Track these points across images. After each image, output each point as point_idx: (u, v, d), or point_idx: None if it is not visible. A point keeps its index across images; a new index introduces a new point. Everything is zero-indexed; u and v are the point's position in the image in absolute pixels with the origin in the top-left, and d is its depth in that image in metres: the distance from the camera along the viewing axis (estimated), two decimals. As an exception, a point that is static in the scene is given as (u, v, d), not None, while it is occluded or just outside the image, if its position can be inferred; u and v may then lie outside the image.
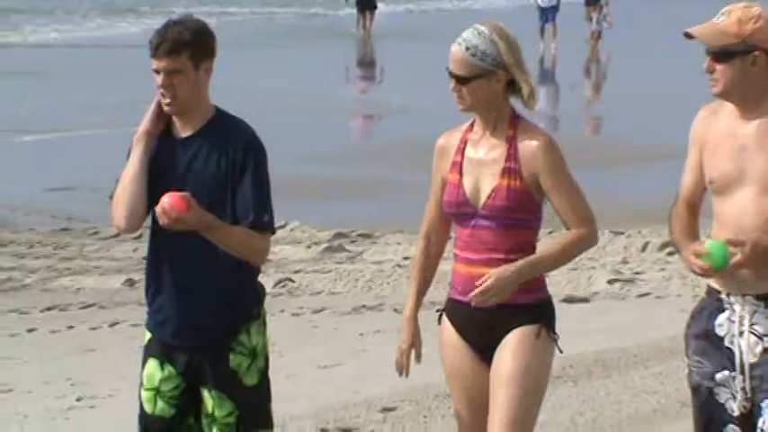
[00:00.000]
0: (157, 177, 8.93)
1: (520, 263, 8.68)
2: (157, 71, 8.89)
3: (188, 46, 8.92)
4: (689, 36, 8.55)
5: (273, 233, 9.09)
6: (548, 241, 9.06)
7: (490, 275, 8.61)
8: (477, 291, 8.64)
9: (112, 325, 18.33)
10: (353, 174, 26.51)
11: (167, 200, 8.55)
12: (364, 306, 19.13)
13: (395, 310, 18.58)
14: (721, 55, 8.50)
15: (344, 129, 35.06)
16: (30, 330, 18.87)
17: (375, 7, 52.31)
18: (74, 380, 16.00)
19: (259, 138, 9.07)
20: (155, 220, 8.89)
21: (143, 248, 17.60)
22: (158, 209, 8.63)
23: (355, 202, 24.12)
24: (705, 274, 8.48)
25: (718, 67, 8.48)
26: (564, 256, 8.99)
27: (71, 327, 18.90)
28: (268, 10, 51.59)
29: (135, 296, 20.14)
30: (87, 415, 14.68)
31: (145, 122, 9.01)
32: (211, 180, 8.88)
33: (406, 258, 21.02)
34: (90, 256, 22.56)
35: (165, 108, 8.91)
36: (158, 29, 8.98)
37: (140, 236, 23.04)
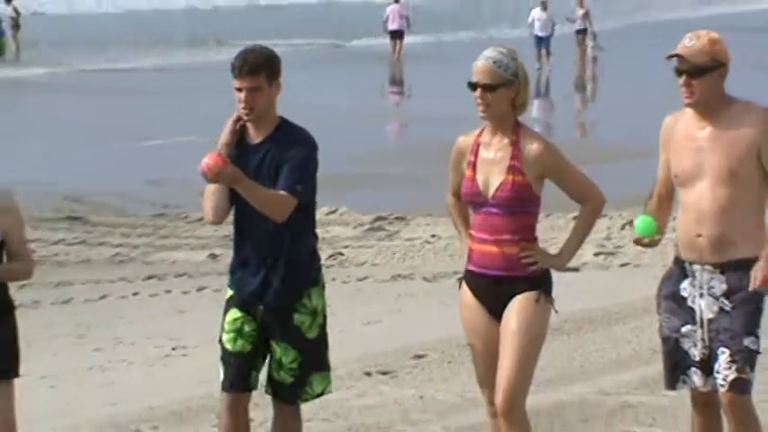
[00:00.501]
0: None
1: (566, 252, 8.91)
2: (240, 89, 8.89)
3: (263, 68, 8.93)
4: (674, 56, 8.57)
5: (301, 203, 8.93)
6: (546, 223, 8.88)
7: (557, 263, 8.97)
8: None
9: (199, 290, 18.22)
10: (390, 170, 26.38)
11: (207, 159, 8.66)
12: (399, 275, 18.99)
13: (424, 278, 18.48)
14: (696, 71, 8.56)
15: (381, 134, 34.93)
16: (134, 294, 18.76)
17: (402, 37, 52.18)
18: (170, 335, 15.89)
19: (314, 139, 9.05)
20: (237, 210, 8.99)
21: (222, 229, 17.53)
22: (202, 167, 8.68)
23: (392, 191, 24.00)
24: (635, 241, 9.00)
25: (694, 82, 8.50)
26: (589, 226, 9.04)
27: (168, 291, 18.80)
28: (306, 41, 51.04)
29: (217, 267, 20.04)
30: (180, 361, 14.57)
31: (223, 137, 8.98)
32: (275, 174, 8.85)
33: (433, 236, 20.94)
34: (181, 235, 22.43)
35: (245, 117, 8.92)
36: (238, 55, 8.99)
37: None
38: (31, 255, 9.15)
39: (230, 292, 9.10)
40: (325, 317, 9.14)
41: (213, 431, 11.60)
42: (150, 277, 19.94)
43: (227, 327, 9.05)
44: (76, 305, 17.91)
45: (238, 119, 8.94)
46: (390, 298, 17.52)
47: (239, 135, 8.98)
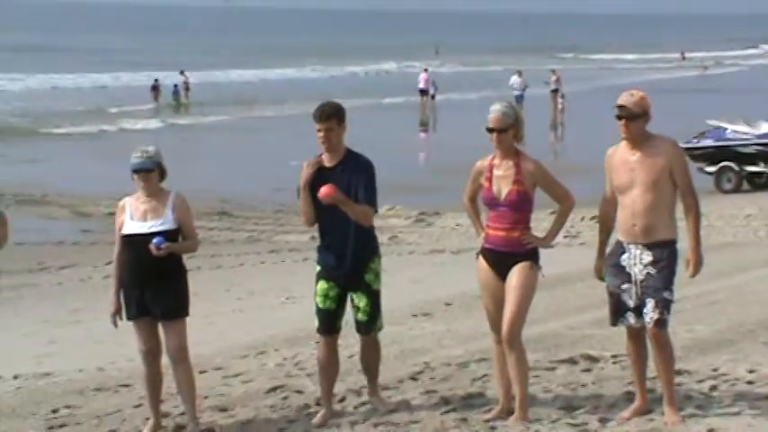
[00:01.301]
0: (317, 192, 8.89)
1: (549, 236, 8.93)
2: (320, 129, 8.89)
3: (335, 115, 8.94)
4: (621, 107, 8.59)
5: (376, 212, 9.05)
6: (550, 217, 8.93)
7: (543, 242, 8.92)
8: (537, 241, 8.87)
9: (304, 260, 18.14)
10: (427, 181, 26.24)
11: (325, 189, 8.71)
12: (435, 250, 18.98)
13: (451, 252, 18.48)
14: (631, 117, 8.58)
15: (418, 158, 34.82)
16: (261, 263, 18.85)
17: (427, 94, 51.77)
18: (284, 289, 15.92)
19: (370, 161, 9.06)
20: (320, 214, 9.03)
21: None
22: (321, 194, 8.76)
23: (429, 195, 24.00)
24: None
25: (629, 123, 8.55)
26: (564, 219, 9.03)
27: (283, 261, 18.86)
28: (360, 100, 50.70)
29: (315, 245, 20.06)
30: (291, 307, 14.57)
31: (303, 177, 9.03)
32: (347, 187, 8.84)
33: (457, 224, 20.99)
34: (292, 224, 22.37)
35: (323, 148, 8.97)
36: (317, 107, 9.03)
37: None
38: (196, 236, 9.20)
39: (318, 268, 9.09)
40: (380, 277, 9.18)
41: (314, 353, 11.68)
42: (272, 251, 20.05)
43: (318, 292, 9.04)
44: (224, 270, 18.02)
45: (314, 162, 8.97)
46: (429, 265, 17.50)
47: (317, 165, 8.96)
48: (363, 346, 9.33)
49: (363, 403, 9.48)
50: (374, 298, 9.12)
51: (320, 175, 8.92)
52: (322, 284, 9.05)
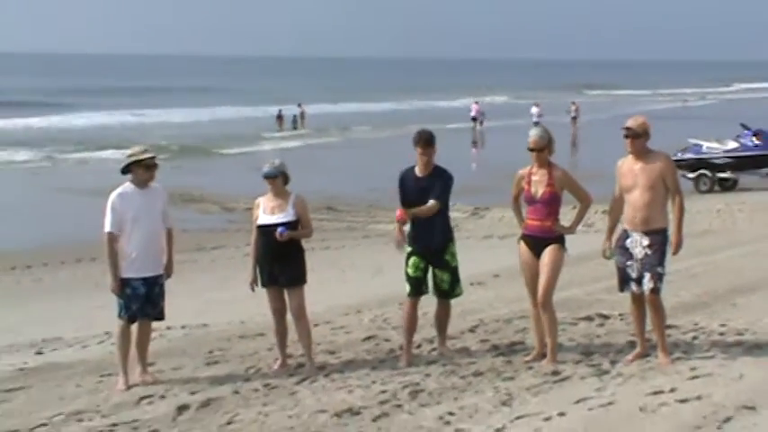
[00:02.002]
0: (411, 195, 8.92)
1: (573, 225, 8.90)
2: (420, 153, 8.84)
3: (431, 141, 8.88)
4: (628, 128, 8.53)
5: (446, 206, 8.99)
6: (573, 211, 8.84)
7: (568, 230, 8.87)
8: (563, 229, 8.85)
9: (389, 243, 18.19)
10: (479, 184, 26.12)
11: (398, 215, 8.88)
12: (486, 236, 18.93)
13: (498, 237, 18.42)
14: (635, 136, 8.53)
15: (472, 167, 34.69)
16: (357, 245, 18.86)
17: (477, 120, 51.33)
18: (375, 264, 15.92)
19: (449, 172, 8.99)
20: (404, 206, 8.92)
21: None
22: (397, 216, 8.93)
23: (481, 195, 23.78)
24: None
25: (635, 141, 8.49)
26: (584, 213, 8.96)
27: (374, 244, 18.84)
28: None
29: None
30: (381, 277, 14.58)
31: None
32: (428, 192, 8.84)
33: (502, 217, 20.82)
34: (380, 216, 22.37)
35: (422, 164, 8.90)
36: (417, 133, 8.95)
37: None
38: (311, 225, 9.20)
39: (409, 249, 8.99)
40: (456, 256, 9.12)
41: (398, 311, 11.66)
42: (365, 237, 20.04)
43: (410, 264, 8.98)
44: (331, 249, 18.02)
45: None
46: (482, 247, 17.44)
47: (409, 178, 8.96)
48: (439, 308, 9.29)
49: (434, 349, 9.46)
50: (453, 272, 9.09)
51: (415, 182, 8.91)
52: (414, 259, 8.98)
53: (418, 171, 8.95)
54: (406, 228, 9.07)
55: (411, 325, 9.14)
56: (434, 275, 9.08)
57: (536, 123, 46.38)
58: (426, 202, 8.81)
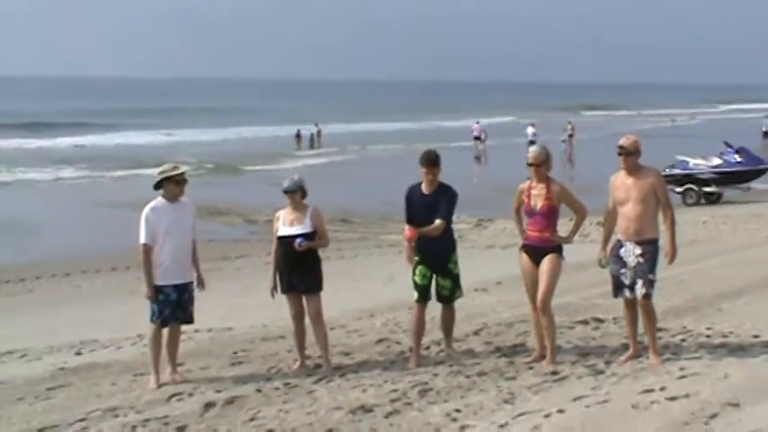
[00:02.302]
0: (418, 210, 8.87)
1: (570, 235, 8.80)
2: (426, 173, 8.80)
3: (436, 162, 8.87)
4: (621, 147, 8.50)
5: (450, 224, 8.93)
6: (570, 222, 8.81)
7: (566, 240, 8.81)
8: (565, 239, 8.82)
9: (399, 253, 18.12)
10: (481, 196, 26.03)
11: (408, 231, 8.87)
12: (489, 245, 18.88)
13: (500, 247, 18.35)
14: (628, 154, 8.49)
15: (474, 181, 34.61)
16: (370, 254, 18.83)
17: (479, 139, 50.39)
18: (387, 273, 15.90)
19: (454, 189, 8.96)
20: (410, 223, 8.94)
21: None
22: (407, 234, 8.93)
23: (483, 208, 23.65)
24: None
25: (627, 158, 8.45)
26: (580, 224, 8.89)
27: (385, 254, 18.82)
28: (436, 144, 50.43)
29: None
30: (393, 284, 14.56)
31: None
32: (434, 207, 8.79)
33: (504, 228, 20.78)
34: (391, 227, 22.35)
35: (427, 182, 8.84)
36: (423, 154, 8.91)
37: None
38: (327, 236, 9.19)
39: (417, 259, 8.97)
40: (458, 264, 9.10)
41: (408, 316, 11.62)
42: (377, 247, 19.99)
43: (417, 273, 8.97)
44: (345, 258, 18.01)
45: (409, 239, 8.90)
46: (485, 256, 17.39)
47: (415, 194, 8.91)
48: (443, 312, 9.28)
49: (441, 351, 9.44)
50: (454, 279, 9.07)
51: (421, 198, 8.87)
52: (421, 269, 8.97)
53: (424, 188, 8.93)
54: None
55: (419, 329, 9.12)
56: (437, 283, 9.07)
57: (532, 142, 46.36)
58: (432, 217, 8.77)
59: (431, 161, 8.84)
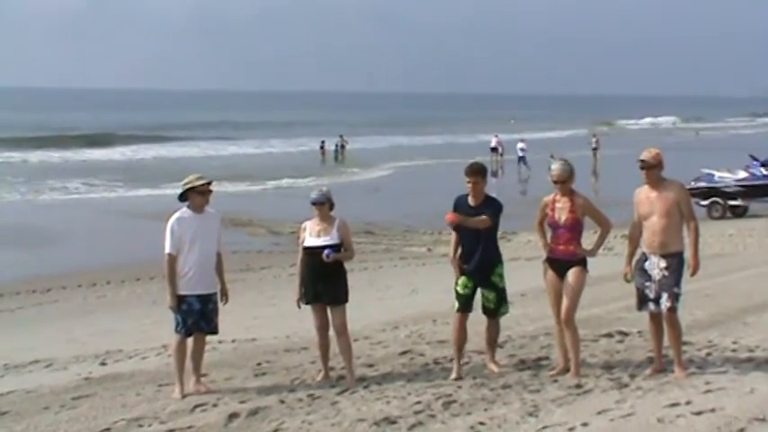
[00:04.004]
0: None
1: (594, 249, 8.76)
2: (469, 182, 8.79)
3: (482, 172, 8.87)
4: (642, 161, 8.48)
5: (495, 224, 8.92)
6: (594, 236, 8.77)
7: (590, 253, 8.76)
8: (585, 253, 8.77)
9: (423, 264, 18.24)
10: (505, 210, 25.85)
11: (448, 217, 8.75)
12: (514, 258, 18.72)
13: (526, 259, 18.21)
14: (650, 167, 8.44)
15: (496, 194, 34.43)
16: (394, 266, 18.81)
17: (497, 152, 49.50)
18: (410, 283, 15.87)
19: (500, 202, 9.01)
20: (461, 236, 8.94)
21: (433, 237, 16.94)
22: (447, 220, 8.77)
23: (508, 221, 23.47)
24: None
25: (648, 172, 8.42)
26: (605, 237, 8.88)
27: (408, 265, 18.80)
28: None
29: (431, 255, 19.91)
30: (417, 297, 14.52)
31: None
32: (479, 215, 8.79)
33: (529, 240, 20.63)
34: (415, 239, 22.38)
35: (473, 194, 8.84)
36: (469, 165, 8.94)
37: (432, 233, 22.92)
38: (353, 248, 9.19)
39: (462, 268, 8.96)
40: (503, 278, 9.10)
41: (432, 328, 11.60)
42: (401, 258, 19.97)
43: (460, 284, 8.94)
44: (369, 270, 17.98)
45: (450, 222, 8.85)
46: (510, 269, 16.98)
47: (463, 205, 8.88)
48: (488, 325, 9.21)
49: (466, 363, 9.39)
50: (500, 293, 9.03)
51: (468, 210, 8.85)
52: (463, 279, 8.93)
53: (471, 200, 8.91)
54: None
55: (460, 340, 9.05)
56: (482, 295, 9.03)
57: (521, 158, 45.66)
58: (478, 231, 8.78)
59: (474, 171, 8.84)
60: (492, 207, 8.86)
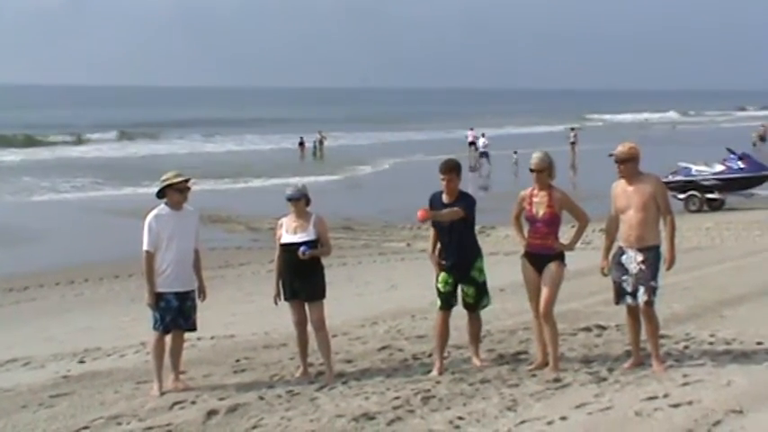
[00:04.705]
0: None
1: (572, 243, 8.77)
2: (443, 179, 8.75)
3: (456, 169, 8.85)
4: (617, 154, 8.50)
5: (469, 216, 8.85)
6: (572, 230, 8.79)
7: (568, 247, 8.77)
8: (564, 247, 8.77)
9: (402, 260, 18.19)
10: (484, 205, 25.90)
11: (420, 214, 8.61)
12: (492, 252, 18.63)
13: (504, 253, 18.15)
14: (624, 161, 8.41)
15: (474, 189, 34.47)
16: (373, 261, 18.80)
17: (473, 146, 49.29)
18: (388, 279, 15.86)
19: (473, 197, 9.00)
20: (439, 232, 8.92)
21: (412, 232, 17.02)
22: (419, 218, 8.70)
23: (486, 215, 23.45)
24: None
25: (622, 166, 8.44)
26: (582, 231, 8.89)
27: (388, 260, 18.80)
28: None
29: (410, 250, 19.92)
30: (394, 292, 14.52)
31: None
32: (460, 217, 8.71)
33: (507, 235, 20.64)
34: (394, 235, 22.37)
35: (447, 191, 8.79)
36: (443, 163, 8.88)
37: (411, 228, 22.91)
38: (330, 244, 9.17)
39: (441, 264, 8.94)
40: (484, 271, 9.08)
41: (411, 323, 11.60)
42: (380, 254, 19.96)
43: (440, 280, 8.91)
44: (348, 266, 17.98)
45: (421, 219, 8.83)
46: (488, 263, 17.02)
47: (437, 202, 8.84)
48: (470, 320, 9.20)
49: (445, 358, 9.39)
50: (479, 287, 9.02)
51: (442, 207, 8.81)
52: (443, 276, 8.91)
53: (445, 197, 8.88)
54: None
55: (442, 337, 9.05)
56: (462, 290, 9.01)
57: (483, 154, 45.41)
58: (454, 224, 8.76)
59: (449, 168, 8.81)
60: (465, 201, 8.85)
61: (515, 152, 41.55)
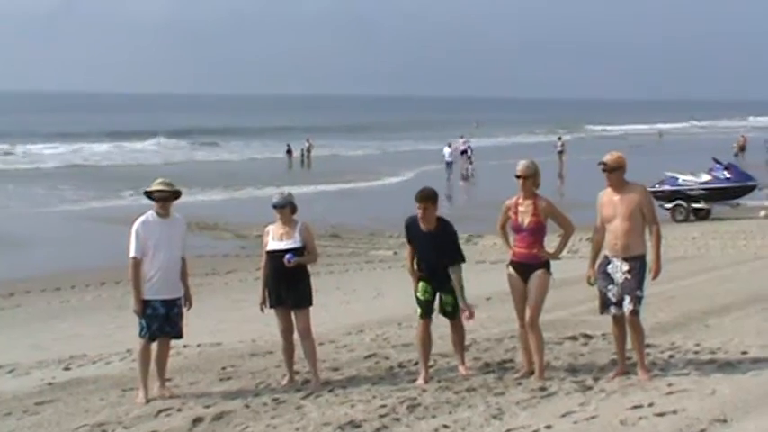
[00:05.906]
0: (424, 248, 8.91)
1: (557, 251, 8.78)
2: (419, 207, 8.73)
3: (432, 198, 8.81)
4: (604, 163, 8.54)
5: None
6: (557, 239, 8.80)
7: (553, 256, 8.80)
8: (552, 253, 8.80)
9: (389, 267, 18.17)
10: (470, 213, 25.96)
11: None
12: (479, 261, 18.76)
13: (490, 262, 18.29)
14: (612, 170, 8.45)
15: (464, 199, 34.51)
16: (360, 269, 18.83)
17: (465, 154, 48.55)
18: (375, 287, 15.85)
19: (452, 226, 8.97)
20: (418, 250, 8.95)
21: (399, 241, 16.94)
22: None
23: (473, 224, 23.43)
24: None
25: (610, 175, 8.48)
26: (567, 240, 8.85)
27: (374, 268, 18.80)
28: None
29: (397, 258, 19.89)
30: (381, 299, 14.52)
31: (412, 275, 9.03)
32: (442, 249, 8.81)
33: (494, 243, 20.63)
34: (381, 243, 22.37)
35: (423, 220, 8.76)
36: (419, 192, 8.82)
37: (398, 236, 22.93)
38: (316, 251, 9.18)
39: (419, 275, 8.96)
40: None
41: (397, 332, 11.60)
42: (367, 262, 20.00)
43: (420, 289, 8.92)
44: (335, 273, 18.01)
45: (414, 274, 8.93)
46: (475, 271, 17.13)
47: (416, 228, 8.85)
48: (452, 328, 9.20)
49: (430, 366, 9.39)
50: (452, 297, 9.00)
51: (424, 236, 8.82)
52: (423, 285, 8.91)
53: (422, 225, 8.84)
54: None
55: (425, 345, 9.04)
56: (440, 299, 9.02)
57: (449, 164, 45.06)
58: (440, 257, 8.78)
59: (424, 197, 8.76)
60: (445, 234, 8.84)
61: (560, 138, 41.74)
